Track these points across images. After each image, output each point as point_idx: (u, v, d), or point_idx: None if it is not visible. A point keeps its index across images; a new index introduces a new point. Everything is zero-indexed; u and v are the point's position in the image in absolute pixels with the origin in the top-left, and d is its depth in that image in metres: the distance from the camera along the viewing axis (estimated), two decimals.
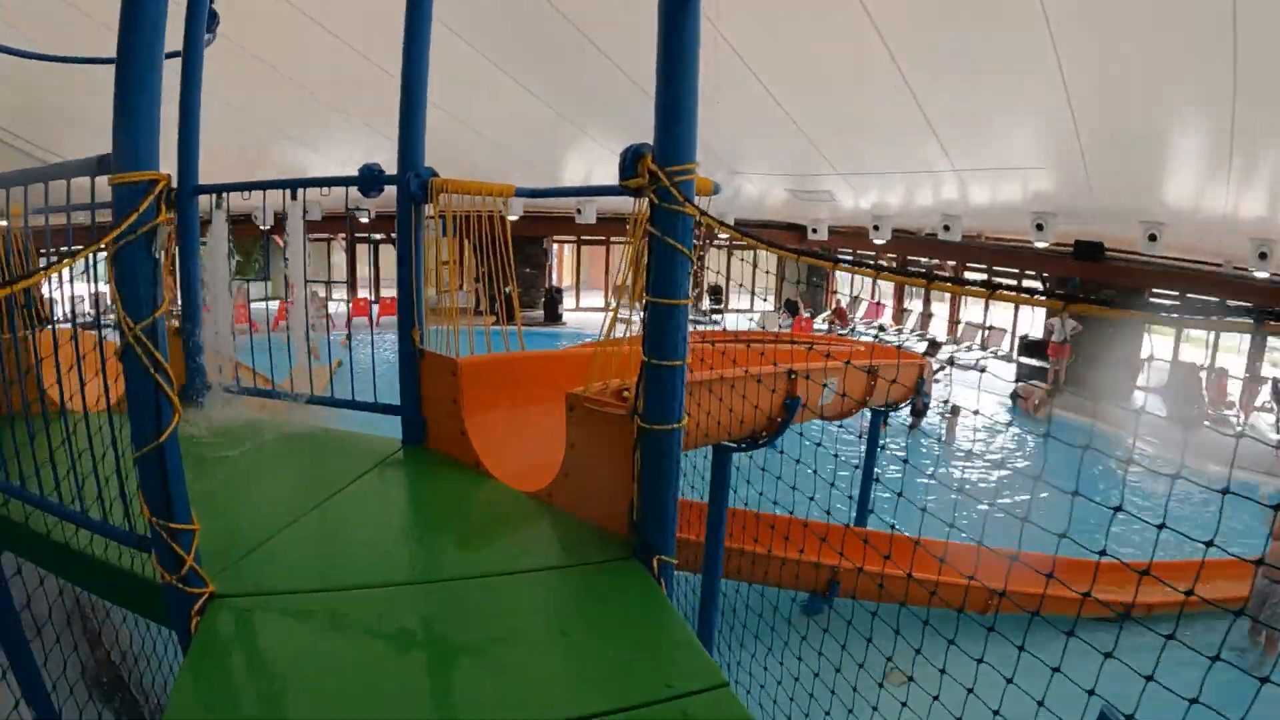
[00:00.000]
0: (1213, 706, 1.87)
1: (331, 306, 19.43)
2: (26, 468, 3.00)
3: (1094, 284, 16.22)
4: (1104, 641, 2.26)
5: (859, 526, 7.86)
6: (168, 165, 4.88)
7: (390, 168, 3.79)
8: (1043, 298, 1.77)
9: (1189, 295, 16.17)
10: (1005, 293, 1.78)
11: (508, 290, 3.97)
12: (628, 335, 3.09)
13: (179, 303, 4.83)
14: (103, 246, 2.11)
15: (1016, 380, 16.63)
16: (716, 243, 21.41)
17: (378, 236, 22.23)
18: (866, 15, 8.57)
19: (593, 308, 22.87)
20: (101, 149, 2.24)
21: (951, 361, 15.66)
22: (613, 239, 22.23)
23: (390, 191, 3.80)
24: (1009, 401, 15.60)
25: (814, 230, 17.59)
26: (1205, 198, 11.21)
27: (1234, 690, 2.11)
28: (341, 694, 2.11)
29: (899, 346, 12.15)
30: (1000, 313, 18.85)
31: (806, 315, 20.30)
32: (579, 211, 16.75)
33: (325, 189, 3.93)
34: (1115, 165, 10.96)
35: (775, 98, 10.75)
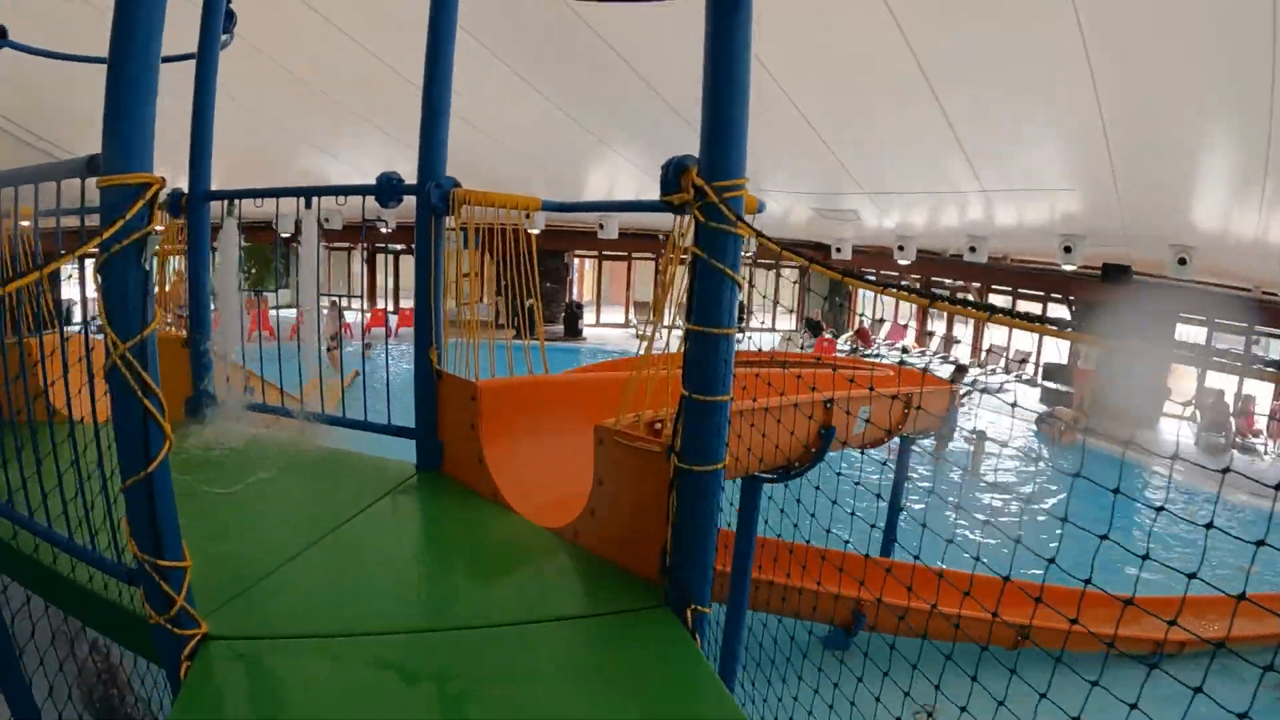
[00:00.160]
0: None
1: (350, 317, 19.34)
2: (18, 481, 2.79)
3: (1121, 308, 15.90)
4: (1135, 679, 2.00)
5: (884, 557, 7.58)
6: (180, 169, 4.74)
7: (411, 178, 3.57)
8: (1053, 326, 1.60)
9: (1218, 320, 15.88)
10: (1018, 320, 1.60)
11: (529, 304, 3.75)
12: (661, 351, 2.85)
13: (187, 312, 4.66)
14: (80, 254, 1.88)
15: (1041, 403, 16.26)
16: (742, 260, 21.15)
17: (398, 247, 22.14)
18: (900, 34, 8.37)
19: (613, 323, 22.64)
20: None
21: (979, 387, 15.34)
22: (634, 254, 22.03)
23: (411, 202, 3.59)
24: (1035, 428, 15.23)
25: (838, 250, 17.35)
26: (1236, 221, 10.98)
27: None
28: None
29: (924, 370, 11.87)
30: (1024, 335, 18.52)
31: (829, 336, 20.00)
32: (601, 226, 16.57)
33: (342, 198, 3.72)
34: (1147, 187, 10.74)
35: (802, 112, 10.54)
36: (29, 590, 3.29)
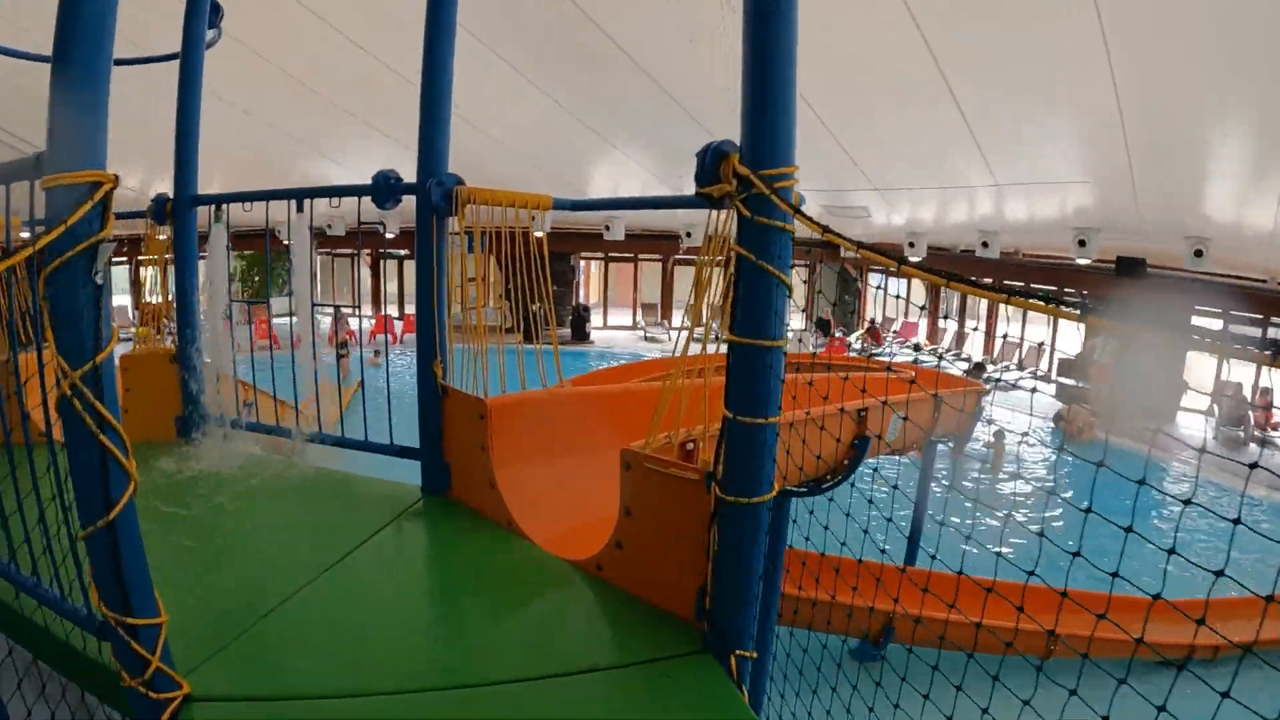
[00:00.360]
0: None
1: (353, 324, 19.03)
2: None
3: (1136, 302, 15.55)
4: (1161, 685, 1.80)
5: (910, 565, 7.25)
6: (164, 174, 4.45)
7: (413, 179, 3.27)
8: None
9: (1233, 313, 15.60)
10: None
11: (535, 308, 3.45)
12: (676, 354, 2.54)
13: (174, 325, 4.37)
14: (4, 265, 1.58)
15: (1056, 399, 15.93)
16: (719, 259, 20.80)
17: (400, 252, 21.82)
18: (915, 26, 8.06)
19: (621, 326, 22.30)
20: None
21: (1000, 383, 15.02)
22: (641, 256, 21.66)
23: (412, 203, 3.28)
24: (1052, 424, 14.90)
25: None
26: (1253, 211, 10.71)
27: None
28: None
29: (938, 368, 11.55)
30: (1037, 331, 18.17)
31: (839, 334, 19.63)
32: (607, 228, 16.24)
33: (336, 200, 3.42)
34: (1163, 179, 10.46)
35: (810, 105, 10.22)
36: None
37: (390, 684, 2.17)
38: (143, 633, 1.96)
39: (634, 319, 22.34)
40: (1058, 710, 2.06)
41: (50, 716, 2.45)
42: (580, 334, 20.03)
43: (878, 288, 20.51)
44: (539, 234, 3.26)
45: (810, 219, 1.82)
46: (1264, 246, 11.75)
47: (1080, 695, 1.88)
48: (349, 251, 21.78)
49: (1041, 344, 18.17)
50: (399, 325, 19.31)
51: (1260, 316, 15.35)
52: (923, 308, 20.51)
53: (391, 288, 23.21)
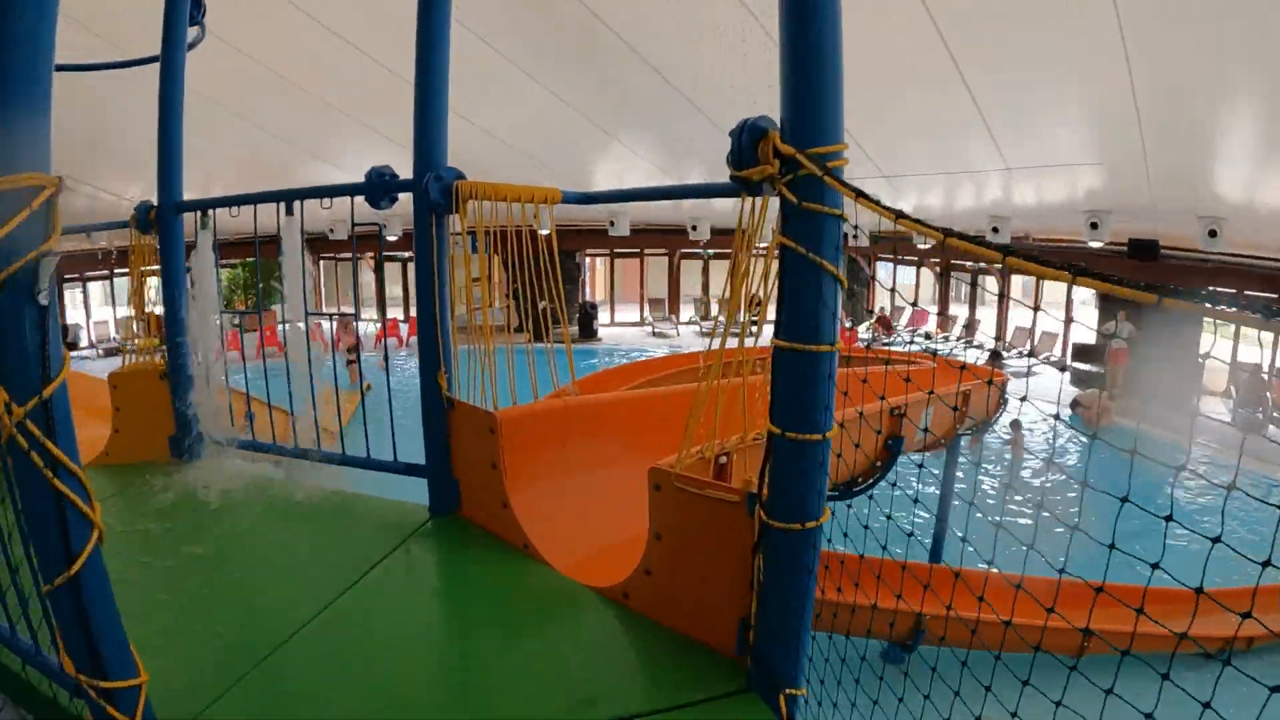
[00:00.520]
0: None
1: (360, 328, 18.80)
2: None
3: (1150, 285, 15.29)
4: (1201, 680, 1.62)
5: (934, 562, 7.00)
6: (146, 179, 4.20)
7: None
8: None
9: (1248, 293, 15.33)
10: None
11: (544, 305, 3.21)
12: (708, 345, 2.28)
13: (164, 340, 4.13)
14: None
15: (1072, 385, 15.63)
16: (757, 250, 20.52)
17: (405, 255, 21.53)
18: (924, 7, 7.79)
19: (628, 322, 22.02)
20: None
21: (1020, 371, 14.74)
22: (647, 251, 21.35)
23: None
24: (1069, 411, 14.61)
25: (855, 237, 16.67)
26: (1268, 190, 10.46)
27: None
28: None
29: (944, 357, 11.28)
30: (1049, 317, 17.80)
31: (848, 325, 19.33)
32: (612, 224, 15.95)
33: (328, 201, 3.17)
34: (1177, 158, 10.21)
35: None
36: None
37: None
38: (119, 696, 1.72)
39: (641, 315, 22.04)
40: (1096, 710, 1.81)
41: None
42: (588, 332, 19.75)
43: (871, 281, 20.21)
44: (544, 232, 3.00)
45: (878, 202, 1.56)
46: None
47: (1117, 693, 1.65)
48: (349, 256, 21.56)
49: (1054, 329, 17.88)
50: (404, 328, 19.05)
51: (1276, 296, 15.11)
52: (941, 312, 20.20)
53: (396, 290, 22.97)
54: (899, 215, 1.50)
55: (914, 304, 21.14)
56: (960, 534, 6.35)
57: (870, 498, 3.55)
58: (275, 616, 2.49)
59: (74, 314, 19.45)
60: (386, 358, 3.71)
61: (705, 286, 21.97)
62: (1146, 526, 1.58)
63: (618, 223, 15.97)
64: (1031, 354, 17.37)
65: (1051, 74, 8.87)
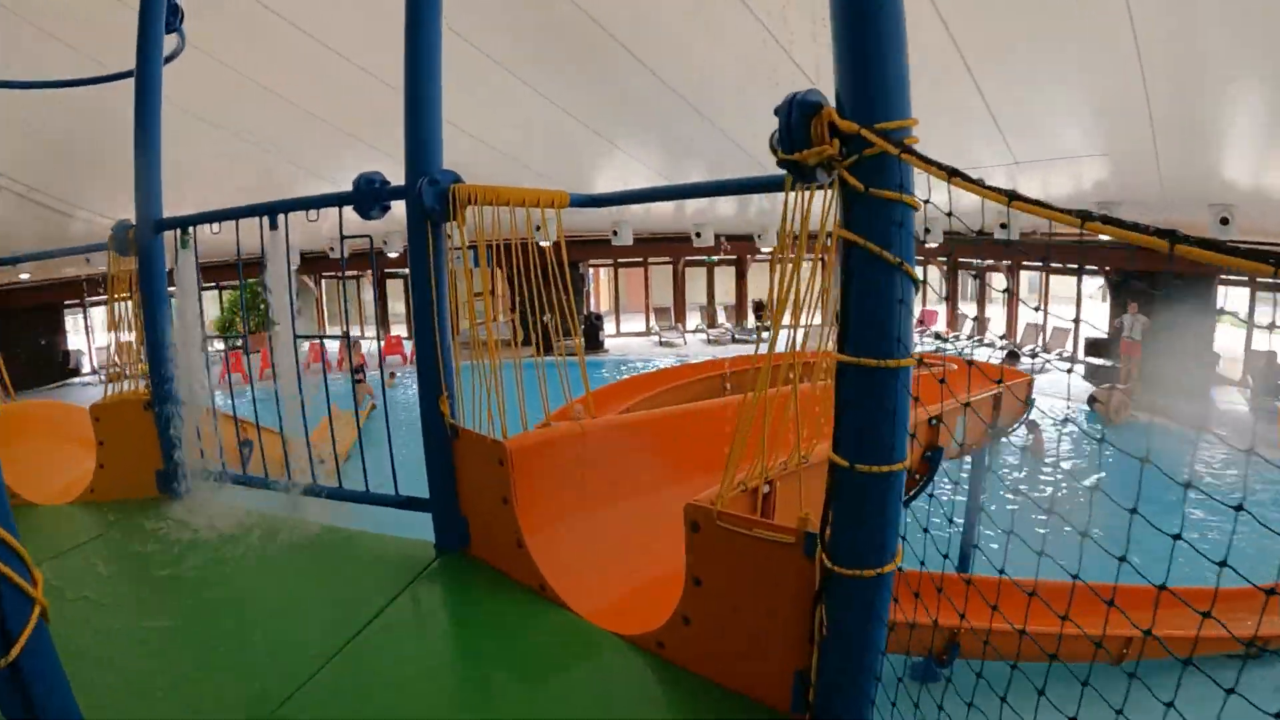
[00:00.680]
0: None
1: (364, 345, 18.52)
2: None
3: (1160, 276, 15.08)
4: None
5: (963, 571, 6.69)
6: (124, 199, 3.95)
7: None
8: None
9: (1260, 279, 15.12)
10: None
11: (547, 319, 2.93)
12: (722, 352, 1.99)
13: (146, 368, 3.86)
14: None
15: (1085, 380, 15.31)
16: (759, 257, 20.24)
17: (406, 271, 21.14)
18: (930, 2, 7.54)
19: (634, 332, 21.69)
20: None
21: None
22: (651, 260, 21.00)
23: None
24: (1086, 407, 14.30)
25: (927, 231, 16.38)
26: (1277, 173, 10.25)
27: None
28: None
29: (946, 353, 10.99)
30: (1060, 311, 17.55)
31: None
32: (615, 233, 15.62)
33: (314, 214, 2.89)
34: (1186, 146, 9.99)
35: (811, 80, 9.68)
36: None
37: None
38: None
39: (647, 325, 21.74)
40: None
41: None
42: (594, 343, 19.46)
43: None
44: (544, 243, 2.73)
45: (982, 184, 1.27)
46: None
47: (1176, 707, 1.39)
48: (353, 274, 21.27)
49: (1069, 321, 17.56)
50: (408, 345, 18.77)
51: None
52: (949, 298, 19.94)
53: (400, 307, 22.71)
54: (1013, 197, 1.22)
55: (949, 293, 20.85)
56: (990, 542, 6.06)
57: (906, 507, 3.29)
58: (282, 666, 2.28)
59: (76, 339, 19.23)
60: (384, 385, 3.42)
61: (711, 295, 21.68)
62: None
63: (621, 232, 15.64)
64: (1044, 351, 17.06)
65: (1059, 65, 8.63)
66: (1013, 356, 13.22)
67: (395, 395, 14.77)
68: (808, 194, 1.65)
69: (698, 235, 16.16)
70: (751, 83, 9.16)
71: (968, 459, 6.47)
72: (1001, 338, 17.98)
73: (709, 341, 19.88)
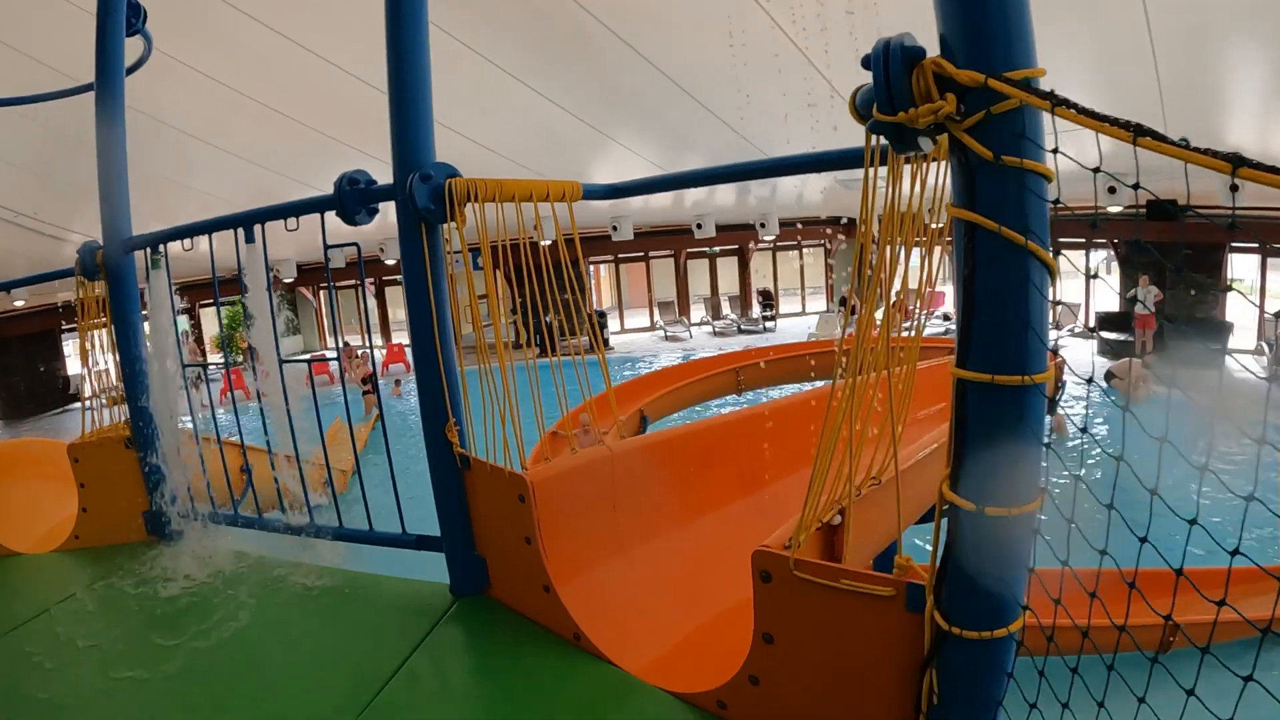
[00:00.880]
0: None
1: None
2: None
3: (1169, 246, 14.88)
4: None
5: None
6: (90, 219, 3.64)
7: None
8: None
9: (1272, 245, 14.90)
10: None
11: (549, 318, 2.62)
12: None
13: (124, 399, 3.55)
14: None
15: (1100, 356, 15.02)
16: (761, 246, 19.90)
17: (395, 277, 20.88)
18: None
19: (638, 328, 21.31)
20: None
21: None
22: (652, 254, 20.59)
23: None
24: (1104, 384, 13.99)
25: (864, 221, 16.05)
26: None
27: None
28: None
29: None
30: (1072, 287, 17.21)
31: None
32: (615, 228, 15.27)
33: (292, 222, 2.56)
34: (1194, 112, 9.72)
35: (817, 67, 9.30)
36: None
37: None
38: None
39: (651, 320, 21.37)
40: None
41: None
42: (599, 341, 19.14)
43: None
44: (546, 242, 2.40)
45: (1188, 145, 0.95)
46: None
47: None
48: (352, 284, 20.88)
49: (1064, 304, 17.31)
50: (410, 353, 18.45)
51: None
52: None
53: (402, 314, 22.42)
54: (1239, 162, 0.90)
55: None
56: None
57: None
58: None
59: (74, 364, 19.00)
60: (380, 407, 3.08)
61: (714, 286, 21.31)
62: None
63: (621, 227, 15.29)
64: (1056, 328, 16.71)
65: (1063, 29, 8.33)
66: None
67: (399, 405, 14.45)
68: (909, 165, 1.33)
69: (698, 227, 15.83)
70: (750, 71, 8.86)
71: None
72: None
73: (715, 334, 19.53)
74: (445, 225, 2.37)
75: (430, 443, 2.45)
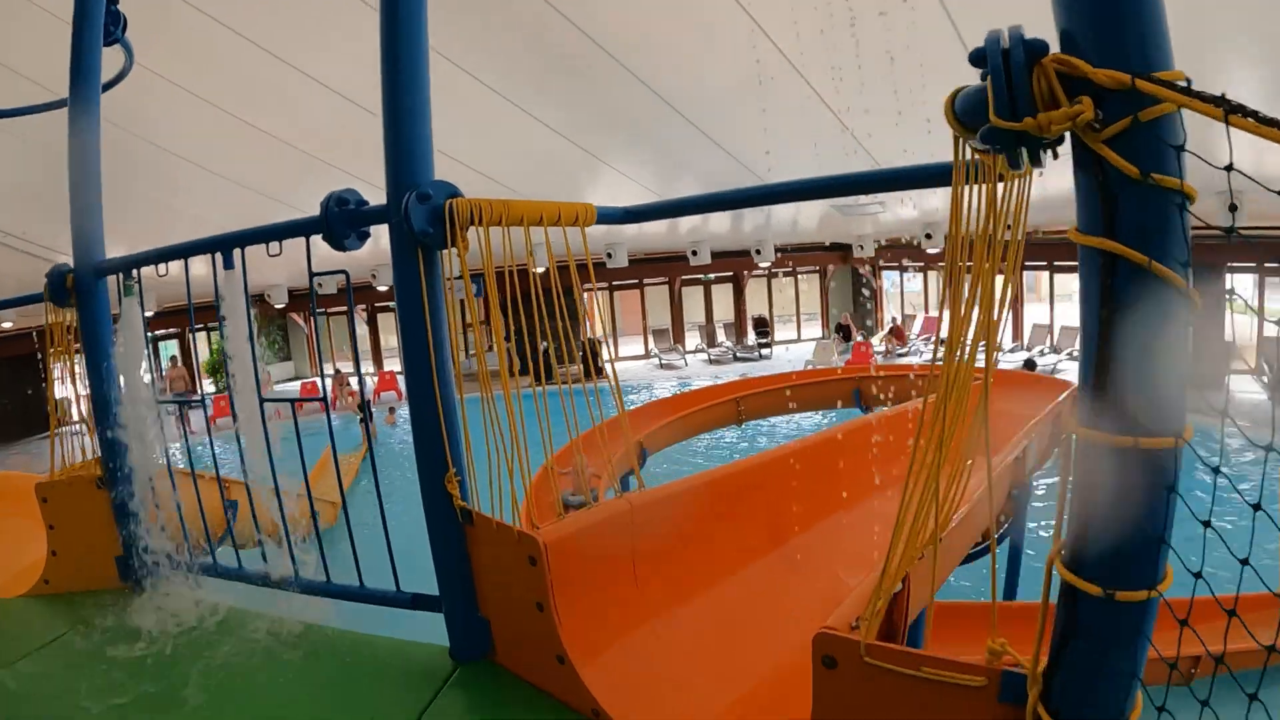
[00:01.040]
0: None
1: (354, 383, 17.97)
2: None
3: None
4: None
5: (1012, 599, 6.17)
6: (126, 243, 3.43)
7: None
8: None
9: (1268, 265, 15.04)
10: None
11: (543, 346, 2.41)
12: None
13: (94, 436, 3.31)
14: None
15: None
16: (756, 273, 19.80)
17: (385, 304, 20.63)
18: None
19: (632, 356, 21.10)
20: None
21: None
22: (646, 281, 20.43)
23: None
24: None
25: (860, 247, 16.02)
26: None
27: None
28: None
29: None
30: (1069, 312, 17.16)
31: (860, 338, 18.46)
32: (609, 255, 15.14)
33: (275, 247, 2.34)
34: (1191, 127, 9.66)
35: (816, 90, 9.19)
36: None
37: None
38: None
39: (645, 347, 21.17)
40: None
41: None
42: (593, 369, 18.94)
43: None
44: (540, 269, 2.20)
45: None
46: None
47: None
48: (342, 310, 20.61)
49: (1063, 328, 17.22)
50: (402, 380, 18.21)
51: None
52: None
53: (393, 340, 22.19)
54: None
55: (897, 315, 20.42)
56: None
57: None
58: None
59: (62, 388, 18.68)
60: (371, 453, 2.86)
61: (709, 313, 21.18)
62: None
63: (615, 254, 15.17)
64: (1055, 351, 16.62)
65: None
66: (1030, 365, 12.76)
67: (393, 434, 14.14)
68: (1023, 180, 1.14)
69: (694, 254, 15.73)
70: (746, 92, 8.75)
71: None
72: (1014, 340, 17.57)
73: (710, 361, 19.36)
74: (444, 251, 2.15)
75: (427, 494, 2.22)
